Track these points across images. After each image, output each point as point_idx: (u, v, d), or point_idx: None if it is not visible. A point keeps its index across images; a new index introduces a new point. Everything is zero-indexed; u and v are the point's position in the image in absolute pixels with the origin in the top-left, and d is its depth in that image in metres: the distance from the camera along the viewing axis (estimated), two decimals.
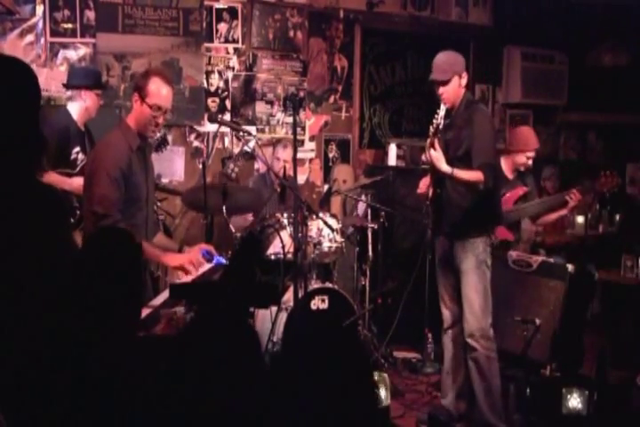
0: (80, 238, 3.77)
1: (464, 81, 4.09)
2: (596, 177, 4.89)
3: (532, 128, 5.39)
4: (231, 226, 4.85)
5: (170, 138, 5.73)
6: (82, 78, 4.64)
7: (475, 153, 3.95)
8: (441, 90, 4.04)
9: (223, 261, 3.58)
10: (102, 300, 2.09)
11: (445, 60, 4.08)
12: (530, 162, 5.00)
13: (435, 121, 3.93)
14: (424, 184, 4.22)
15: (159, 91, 3.50)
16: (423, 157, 4.09)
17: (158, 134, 5.16)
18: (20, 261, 2.07)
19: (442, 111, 3.95)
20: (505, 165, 5.04)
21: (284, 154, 5.41)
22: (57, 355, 2.03)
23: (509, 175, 5.08)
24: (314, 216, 4.69)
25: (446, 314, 4.27)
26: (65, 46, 5.32)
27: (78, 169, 4.52)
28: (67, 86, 4.67)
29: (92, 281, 2.11)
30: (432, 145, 3.90)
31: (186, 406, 1.97)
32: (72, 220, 4.47)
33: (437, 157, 3.90)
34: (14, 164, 2.12)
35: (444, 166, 3.90)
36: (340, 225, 4.97)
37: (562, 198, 5.00)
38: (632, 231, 5.74)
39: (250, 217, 5.30)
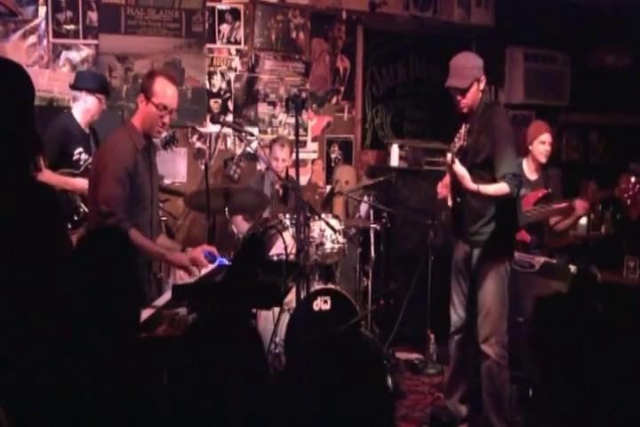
0: None
1: (482, 84, 3.90)
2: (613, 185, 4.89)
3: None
4: (233, 227, 4.86)
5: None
6: (85, 81, 4.68)
7: (497, 163, 3.81)
8: (459, 97, 3.88)
9: (225, 262, 3.58)
10: (95, 299, 2.09)
11: (465, 63, 3.89)
12: (548, 147, 5.02)
13: (457, 141, 3.75)
14: (444, 186, 4.14)
15: (165, 91, 3.53)
16: (442, 162, 3.92)
17: (165, 133, 5.20)
18: (15, 259, 2.07)
19: (463, 133, 3.77)
20: (527, 165, 5.08)
21: (282, 153, 5.39)
22: (56, 354, 2.03)
23: (532, 176, 5.09)
24: (316, 217, 4.69)
25: (455, 319, 4.23)
26: (67, 47, 5.33)
27: (82, 169, 4.55)
28: (71, 87, 4.70)
29: (84, 280, 2.11)
30: (454, 162, 3.72)
31: (187, 408, 1.97)
32: (75, 218, 4.50)
33: (463, 174, 3.72)
34: (9, 163, 2.13)
35: (471, 185, 3.74)
36: (343, 226, 4.97)
37: (569, 207, 4.98)
38: (630, 232, 5.72)
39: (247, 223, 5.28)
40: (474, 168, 3.86)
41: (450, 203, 4.03)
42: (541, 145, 5.02)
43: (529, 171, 5.09)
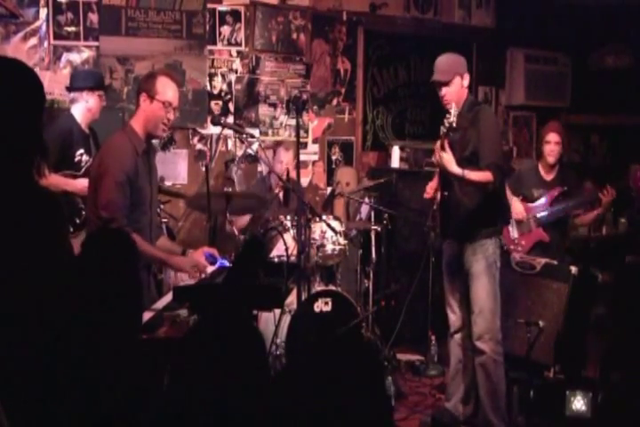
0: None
1: (466, 82, 4.06)
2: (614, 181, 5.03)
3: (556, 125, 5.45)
4: (234, 228, 4.86)
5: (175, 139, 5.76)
6: (84, 80, 4.68)
7: (482, 153, 3.92)
8: (443, 91, 4.01)
9: (226, 263, 3.58)
10: (99, 301, 2.09)
11: (445, 61, 4.07)
12: (553, 147, 5.07)
13: (446, 121, 3.83)
14: (431, 188, 4.18)
15: (168, 88, 3.54)
16: (433, 159, 4.06)
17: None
18: (17, 263, 2.07)
19: (453, 110, 3.83)
20: (541, 167, 5.18)
21: (287, 157, 5.41)
22: (57, 356, 2.03)
23: (548, 177, 5.17)
24: (317, 219, 4.69)
25: (453, 319, 4.24)
26: (68, 49, 5.33)
27: (83, 171, 4.54)
28: (69, 89, 4.70)
29: (89, 283, 2.11)
30: (442, 147, 3.86)
31: (188, 409, 1.97)
32: (77, 221, 4.50)
33: (448, 158, 3.85)
34: (13, 166, 2.13)
35: (455, 168, 3.85)
36: (344, 228, 4.97)
37: (594, 197, 5.06)
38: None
39: (248, 217, 5.29)
40: (462, 162, 3.91)
41: (438, 197, 4.07)
42: (547, 145, 5.10)
43: (544, 172, 5.18)
